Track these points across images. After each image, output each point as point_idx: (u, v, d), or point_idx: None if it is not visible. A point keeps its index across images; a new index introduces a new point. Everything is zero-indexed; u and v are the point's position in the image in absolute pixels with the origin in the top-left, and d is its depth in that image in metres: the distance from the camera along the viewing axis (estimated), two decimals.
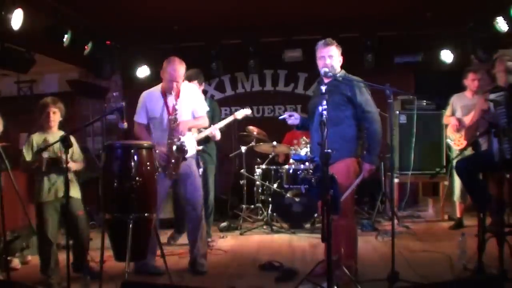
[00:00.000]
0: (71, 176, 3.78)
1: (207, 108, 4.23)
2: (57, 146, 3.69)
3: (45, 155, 3.62)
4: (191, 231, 4.04)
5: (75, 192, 3.88)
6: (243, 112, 5.17)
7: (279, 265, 4.02)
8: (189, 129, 4.06)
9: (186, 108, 3.95)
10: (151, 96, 3.99)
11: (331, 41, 3.61)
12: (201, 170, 4.24)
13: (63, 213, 3.76)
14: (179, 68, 3.86)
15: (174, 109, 3.79)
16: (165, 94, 3.93)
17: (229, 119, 5.02)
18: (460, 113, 5.33)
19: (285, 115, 3.74)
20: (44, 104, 3.85)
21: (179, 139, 3.79)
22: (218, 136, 4.78)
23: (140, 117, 3.99)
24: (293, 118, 3.72)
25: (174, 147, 3.76)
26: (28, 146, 3.80)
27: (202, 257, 4.01)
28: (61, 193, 3.74)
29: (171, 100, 3.85)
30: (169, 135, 3.81)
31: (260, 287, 3.62)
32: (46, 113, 3.82)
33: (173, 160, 3.77)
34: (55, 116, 3.86)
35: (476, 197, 3.77)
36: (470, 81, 5.32)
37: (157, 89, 4.01)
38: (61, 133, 3.85)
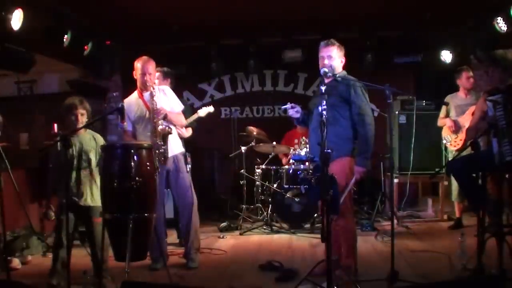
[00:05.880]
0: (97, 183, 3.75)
1: (182, 106, 4.27)
2: (88, 144, 3.69)
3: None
4: (182, 225, 4.16)
5: (97, 200, 3.70)
6: (206, 110, 5.22)
7: (279, 265, 4.02)
8: (169, 133, 3.97)
9: (164, 105, 4.00)
10: (129, 102, 4.07)
11: (332, 42, 3.62)
12: (189, 166, 4.29)
13: (79, 217, 3.66)
14: (148, 61, 3.99)
15: (152, 96, 3.88)
16: (141, 94, 4.02)
17: (194, 117, 5.06)
18: (454, 113, 5.33)
19: (288, 106, 3.74)
20: (71, 105, 3.67)
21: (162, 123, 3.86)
22: (185, 134, 4.89)
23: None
24: (294, 110, 3.72)
25: (160, 127, 3.82)
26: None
27: (194, 252, 4.13)
28: (84, 201, 3.65)
29: (147, 96, 3.95)
30: (152, 118, 3.87)
31: (260, 287, 3.62)
32: (74, 116, 3.66)
33: (162, 144, 3.81)
34: (83, 118, 3.70)
35: (471, 198, 3.76)
36: (465, 79, 5.33)
37: (133, 94, 4.13)
38: (89, 134, 3.77)
